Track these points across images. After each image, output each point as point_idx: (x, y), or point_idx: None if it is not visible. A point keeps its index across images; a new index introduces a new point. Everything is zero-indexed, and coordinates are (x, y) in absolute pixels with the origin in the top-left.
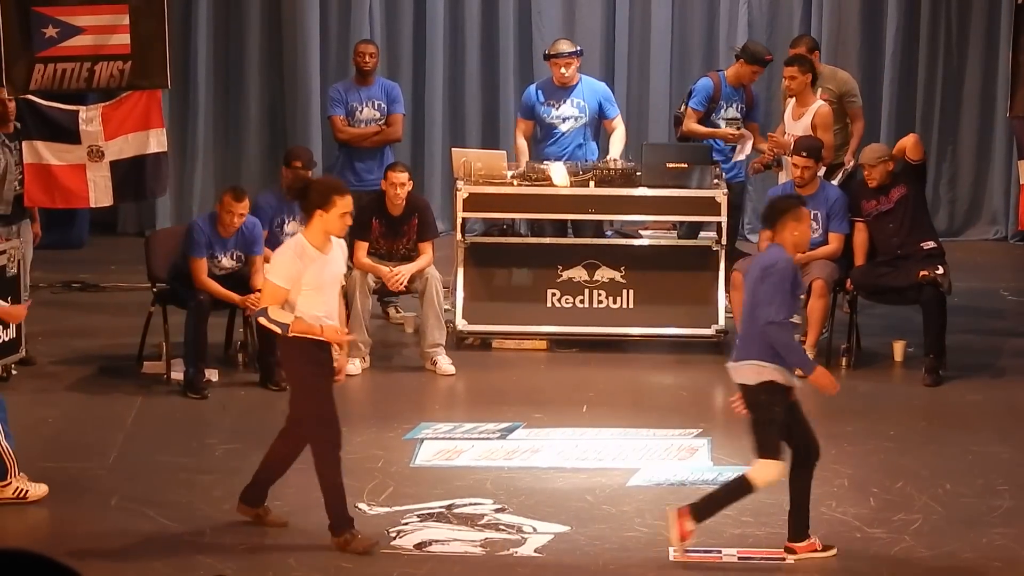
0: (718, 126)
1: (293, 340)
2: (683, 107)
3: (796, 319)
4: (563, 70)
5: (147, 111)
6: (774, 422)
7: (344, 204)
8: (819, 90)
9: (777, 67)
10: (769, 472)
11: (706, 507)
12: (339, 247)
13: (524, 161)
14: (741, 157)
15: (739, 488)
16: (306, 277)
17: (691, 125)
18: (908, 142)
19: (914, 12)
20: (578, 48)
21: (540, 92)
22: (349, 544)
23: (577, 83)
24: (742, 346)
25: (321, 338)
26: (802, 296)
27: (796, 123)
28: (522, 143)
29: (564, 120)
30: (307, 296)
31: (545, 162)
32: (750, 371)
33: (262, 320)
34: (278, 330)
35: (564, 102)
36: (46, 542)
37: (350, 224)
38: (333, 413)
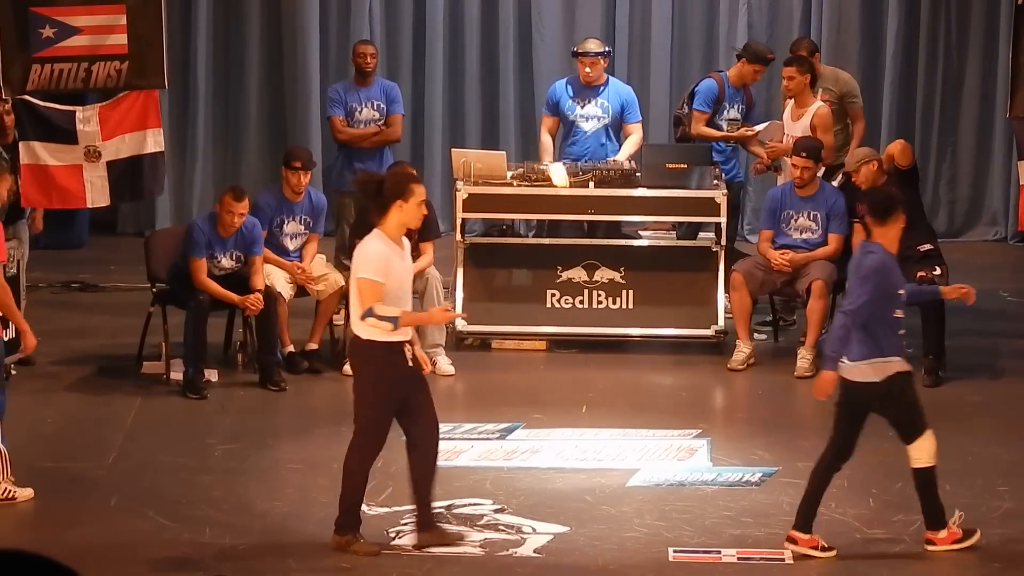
0: (720, 127)
1: (368, 344)
2: (684, 108)
3: (899, 313)
4: (587, 69)
5: (144, 111)
6: (913, 405)
7: (421, 192)
8: (819, 91)
9: (777, 67)
10: (928, 446)
11: (931, 514)
12: (406, 244)
13: (548, 159)
14: (768, 143)
15: (923, 482)
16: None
17: (701, 128)
18: (895, 149)
19: (914, 13)
20: (606, 49)
21: (569, 87)
22: (349, 546)
23: (605, 84)
24: (860, 343)
25: (395, 338)
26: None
27: (795, 124)
28: (547, 139)
29: (588, 119)
30: (387, 292)
31: (544, 162)
32: (871, 369)
33: (369, 321)
34: (389, 326)
35: (590, 101)
36: (45, 542)
37: (425, 214)
38: (386, 426)
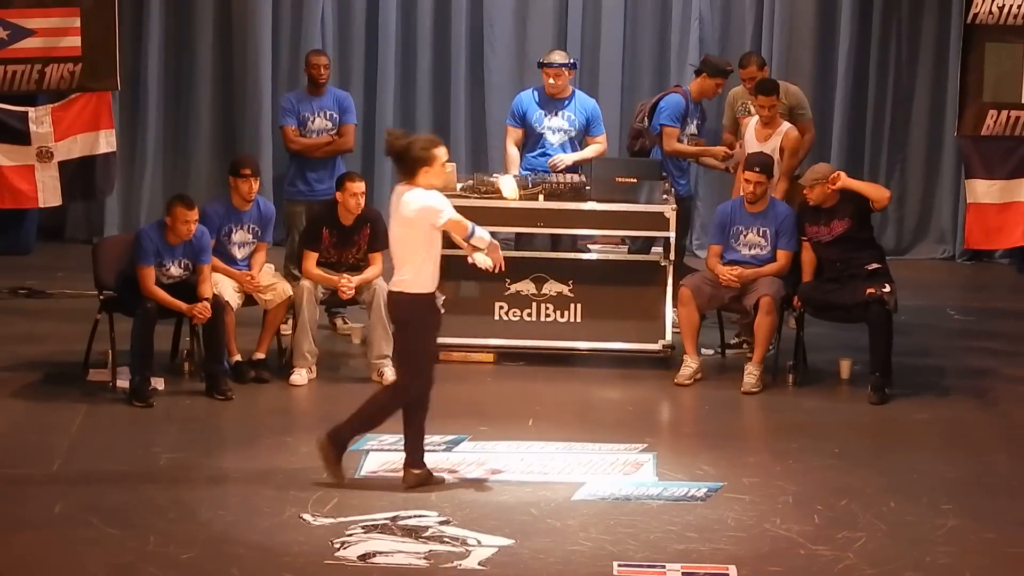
0: (682, 142)
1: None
2: (644, 122)
3: None
4: (551, 80)
5: (97, 112)
6: None
7: (443, 153)
8: None
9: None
10: None
11: None
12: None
13: (514, 171)
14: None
15: None
16: None
17: (676, 145)
18: (884, 199)
19: (865, 31)
20: (572, 60)
21: (536, 94)
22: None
23: (571, 96)
24: None
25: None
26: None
27: (764, 144)
28: (513, 151)
29: (555, 132)
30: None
31: (495, 175)
32: None
33: (477, 238)
34: (479, 233)
35: (557, 114)
36: None
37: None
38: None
